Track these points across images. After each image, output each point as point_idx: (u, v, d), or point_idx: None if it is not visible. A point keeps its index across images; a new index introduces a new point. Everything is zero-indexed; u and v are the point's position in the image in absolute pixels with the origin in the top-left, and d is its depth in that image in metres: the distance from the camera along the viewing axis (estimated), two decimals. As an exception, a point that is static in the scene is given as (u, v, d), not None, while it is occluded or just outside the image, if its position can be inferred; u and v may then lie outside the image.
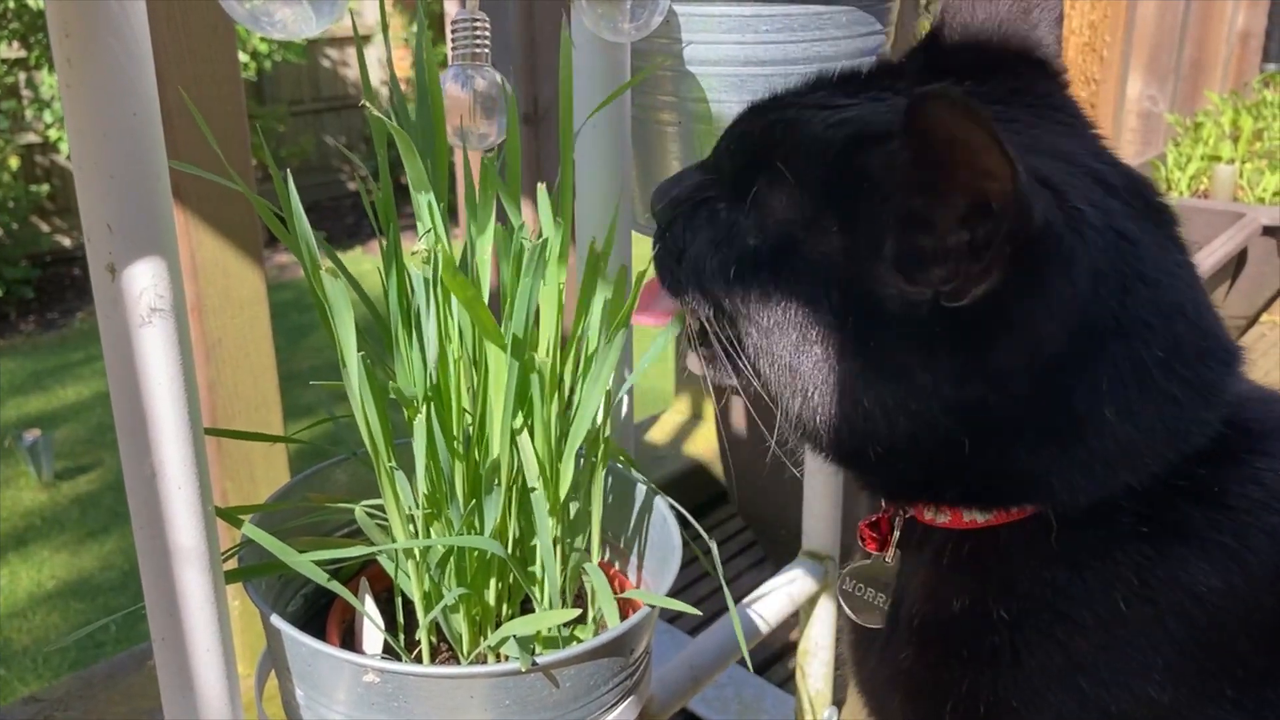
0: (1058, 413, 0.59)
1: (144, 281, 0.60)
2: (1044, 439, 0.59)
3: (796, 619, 1.35)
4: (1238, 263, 3.00)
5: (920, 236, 0.57)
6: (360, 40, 0.79)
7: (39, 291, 4.61)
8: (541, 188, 0.74)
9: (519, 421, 0.74)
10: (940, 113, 0.52)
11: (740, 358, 0.66)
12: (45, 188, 4.70)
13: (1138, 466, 0.60)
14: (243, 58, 4.61)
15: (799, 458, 0.70)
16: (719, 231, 0.66)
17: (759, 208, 0.64)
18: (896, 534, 0.72)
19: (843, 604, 0.75)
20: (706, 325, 0.68)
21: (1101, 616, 0.61)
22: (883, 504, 0.73)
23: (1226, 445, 0.62)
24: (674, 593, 0.79)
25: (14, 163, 4.51)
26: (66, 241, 4.84)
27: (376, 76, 4.77)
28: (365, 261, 4.61)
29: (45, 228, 4.85)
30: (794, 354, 0.62)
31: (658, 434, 2.24)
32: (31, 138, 4.63)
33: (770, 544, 1.91)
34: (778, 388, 0.64)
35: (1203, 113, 3.64)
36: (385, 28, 0.83)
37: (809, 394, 0.62)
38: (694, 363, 0.72)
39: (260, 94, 5.24)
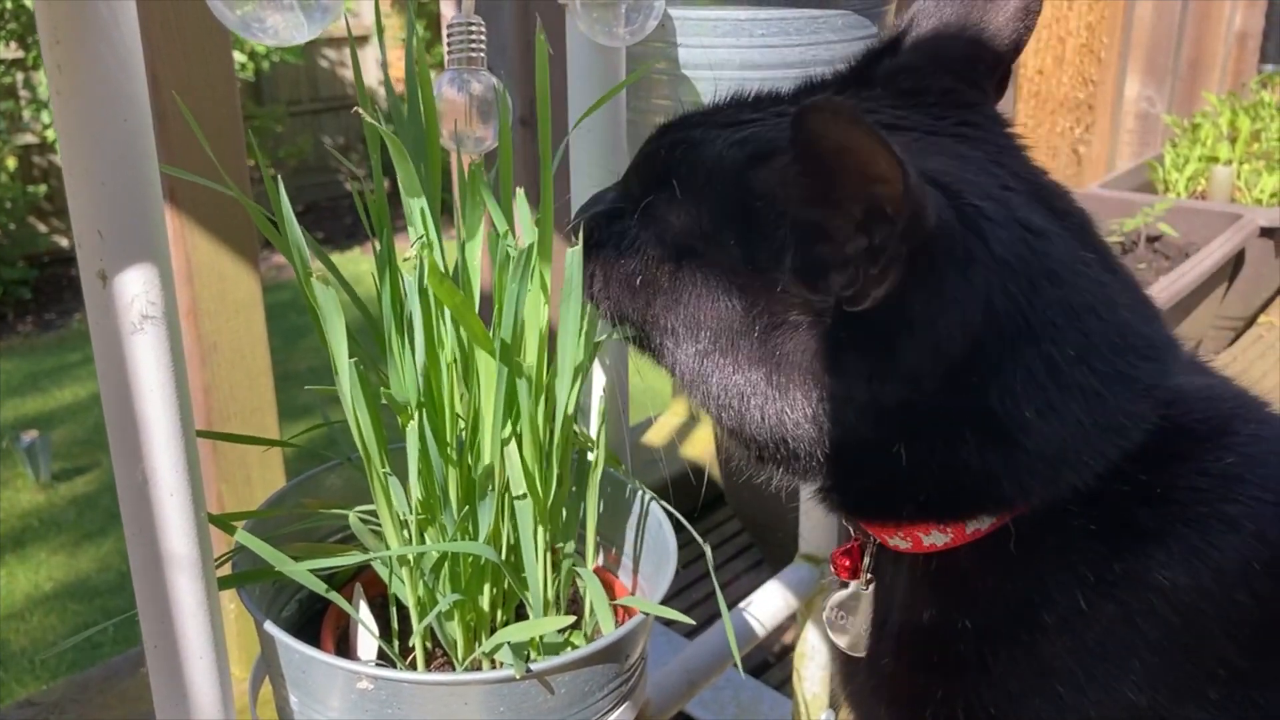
0: (981, 415, 0.59)
1: (135, 288, 0.60)
2: (982, 441, 0.59)
3: (794, 621, 1.35)
4: (1235, 264, 2.99)
5: (818, 246, 0.58)
6: (354, 42, 0.79)
7: (36, 292, 4.60)
8: (520, 191, 0.74)
9: (508, 427, 0.74)
10: (823, 122, 0.53)
11: (665, 367, 0.68)
12: (43, 188, 4.69)
13: (1078, 464, 0.60)
14: (240, 58, 4.61)
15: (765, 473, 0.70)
16: (626, 245, 0.68)
17: (657, 222, 0.67)
18: (868, 560, 0.72)
19: (829, 632, 0.75)
20: (629, 336, 0.71)
21: (1064, 617, 0.61)
22: (851, 532, 0.74)
23: (1169, 443, 0.62)
24: (672, 595, 0.79)
25: (11, 163, 4.50)
26: (64, 242, 4.83)
27: (375, 78, 4.76)
28: (364, 262, 4.61)
29: (43, 228, 4.84)
30: (704, 364, 0.64)
31: (656, 436, 2.24)
32: (29, 138, 4.63)
33: (767, 547, 1.91)
34: (703, 399, 0.65)
35: (1200, 114, 3.64)
36: (380, 31, 0.83)
37: (728, 403, 0.63)
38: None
39: (258, 94, 5.23)
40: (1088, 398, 0.60)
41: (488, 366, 0.73)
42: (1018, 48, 0.72)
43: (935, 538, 0.64)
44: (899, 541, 0.66)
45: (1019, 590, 0.62)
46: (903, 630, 0.69)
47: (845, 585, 0.74)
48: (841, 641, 0.74)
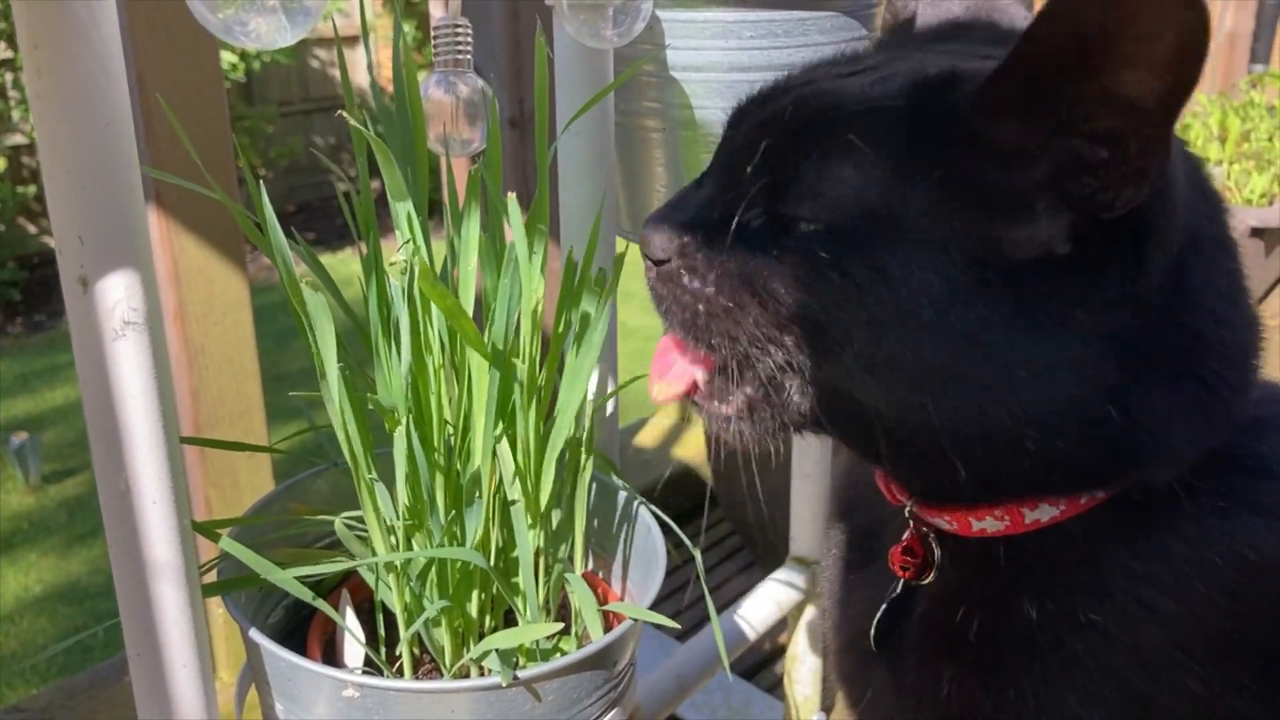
0: (1186, 344, 0.54)
1: (117, 294, 0.59)
2: (1177, 377, 0.54)
3: (785, 624, 1.35)
4: (1226, 264, 3.00)
5: (1043, 160, 0.50)
6: (341, 43, 0.78)
7: (26, 294, 4.58)
8: (512, 197, 0.73)
9: (499, 431, 0.74)
10: None
11: (816, 394, 0.56)
12: (32, 189, 4.67)
13: (1238, 403, 0.56)
14: (231, 59, 4.59)
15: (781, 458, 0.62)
16: (762, 244, 0.55)
17: (813, 198, 0.53)
18: (938, 552, 0.64)
19: (874, 647, 0.68)
20: (762, 372, 0.56)
21: (1181, 599, 0.57)
22: (910, 521, 0.65)
23: (1262, 412, 0.60)
24: (663, 598, 0.78)
25: (1, 164, 4.48)
26: (54, 244, 4.80)
27: (364, 78, 4.75)
28: (356, 264, 4.58)
29: (32, 229, 4.82)
30: (917, 352, 0.52)
31: (647, 438, 2.24)
32: (18, 139, 4.61)
33: (758, 549, 1.91)
34: (890, 404, 0.54)
35: (1190, 114, 3.64)
36: (366, 32, 0.83)
37: (945, 392, 0.53)
38: (722, 423, 0.60)
39: (249, 95, 5.21)
40: (1250, 320, 0.56)
41: (479, 369, 0.73)
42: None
43: (1043, 512, 0.57)
44: (990, 523, 0.59)
45: (1144, 569, 0.57)
46: (989, 633, 0.60)
47: (871, 590, 0.68)
48: (882, 643, 0.67)
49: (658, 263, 0.58)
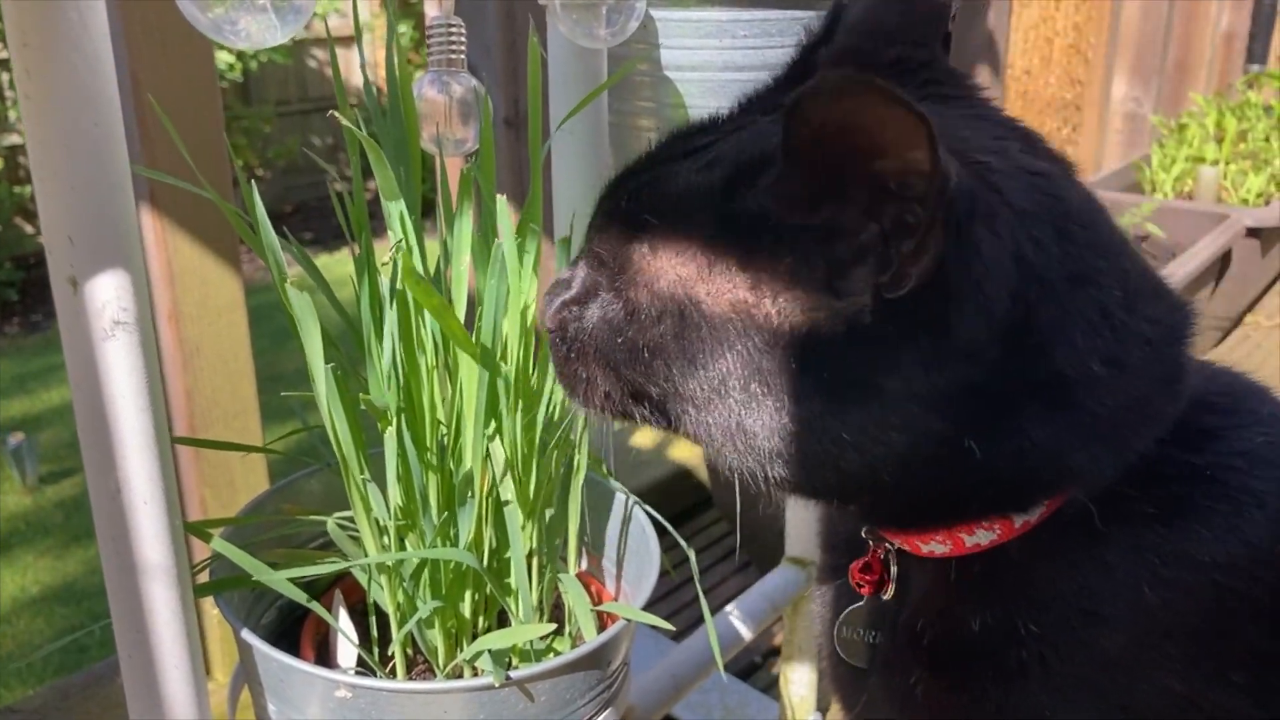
0: (1050, 380, 0.55)
1: (107, 295, 0.59)
2: (1050, 409, 0.56)
3: (780, 624, 1.34)
4: (1222, 264, 3.00)
5: (836, 245, 0.54)
6: (334, 43, 0.78)
7: (23, 294, 4.57)
8: (501, 198, 0.73)
9: (491, 430, 0.73)
10: (828, 103, 0.48)
11: (693, 436, 0.61)
12: (29, 189, 4.66)
13: (1143, 425, 0.58)
14: (229, 59, 4.58)
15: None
16: (615, 317, 0.61)
17: (642, 279, 0.59)
18: (894, 569, 0.67)
19: (839, 650, 0.71)
20: (636, 413, 0.63)
21: (1129, 604, 0.58)
22: (868, 541, 0.68)
23: (1201, 419, 0.60)
24: (659, 598, 0.78)
25: (-3, 164, 4.48)
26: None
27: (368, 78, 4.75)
28: (352, 264, 4.58)
29: (29, 229, 4.81)
30: (742, 419, 0.57)
31: (643, 438, 2.24)
32: (15, 139, 4.60)
33: (754, 549, 1.90)
34: (738, 459, 0.58)
35: (1187, 114, 3.65)
36: (359, 31, 0.82)
37: (775, 453, 0.57)
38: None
39: (246, 95, 5.21)
40: (1142, 347, 0.57)
41: (469, 369, 0.73)
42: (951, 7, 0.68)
43: (980, 536, 0.60)
44: (935, 547, 0.62)
45: (1084, 584, 0.59)
46: (940, 643, 0.64)
47: (849, 604, 0.70)
48: (858, 660, 0.71)
49: (550, 331, 0.65)
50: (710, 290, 0.57)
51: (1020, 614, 0.60)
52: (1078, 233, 0.57)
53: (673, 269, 0.58)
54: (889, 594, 0.68)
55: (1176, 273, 2.59)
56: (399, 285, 0.71)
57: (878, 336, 0.54)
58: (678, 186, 0.59)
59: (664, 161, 0.62)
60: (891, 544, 0.67)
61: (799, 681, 1.33)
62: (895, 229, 0.51)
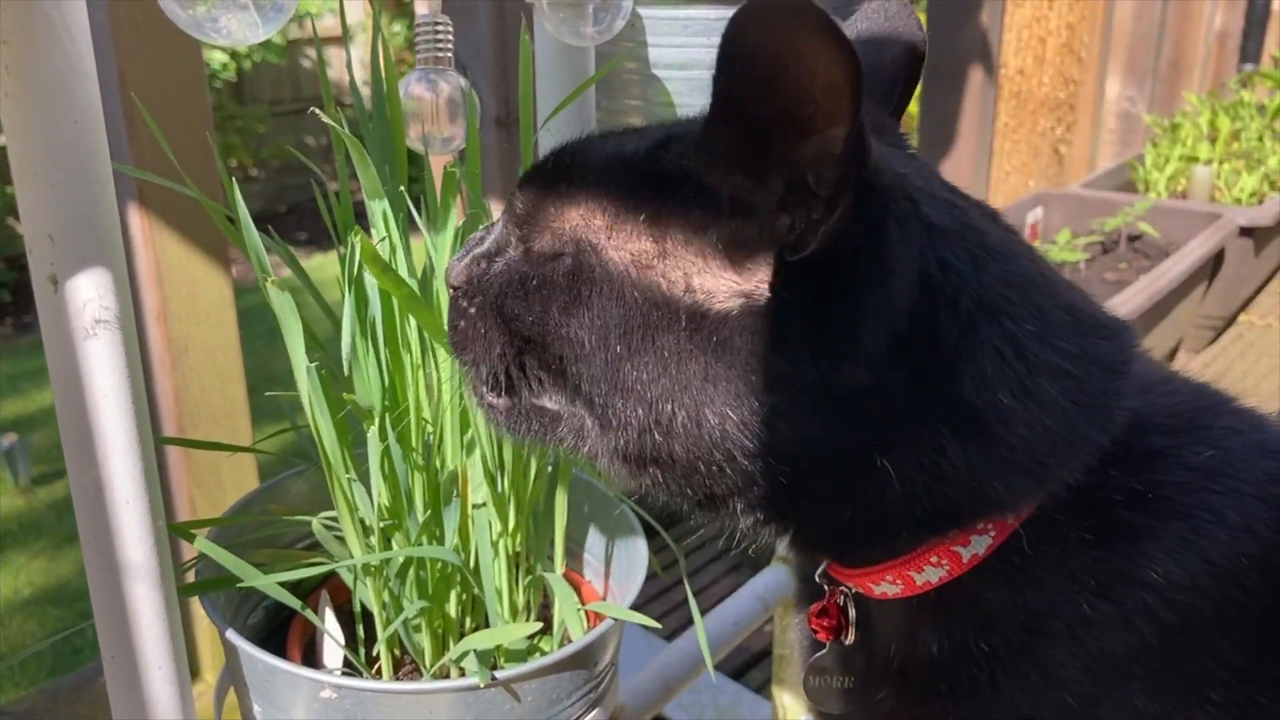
0: (957, 407, 0.55)
1: (88, 293, 0.59)
2: (964, 438, 0.56)
3: (772, 624, 1.34)
4: (1215, 263, 3.01)
5: (753, 205, 0.53)
6: (327, 43, 0.78)
7: (15, 294, 4.56)
8: (480, 200, 0.73)
9: (470, 430, 0.73)
10: (760, 26, 0.46)
11: (571, 390, 0.59)
12: (22, 189, 4.64)
13: (1067, 456, 0.58)
14: (222, 58, 4.57)
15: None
16: (516, 260, 0.61)
17: (548, 228, 0.59)
18: (853, 613, 0.67)
19: (808, 698, 0.71)
20: (513, 373, 0.61)
21: (1069, 624, 0.59)
22: (823, 586, 0.68)
23: (1145, 438, 0.60)
24: (650, 598, 0.78)
25: (-11, 164, 4.47)
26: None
27: (358, 77, 4.74)
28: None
29: (21, 230, 4.80)
30: (623, 371, 0.56)
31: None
32: (4, 140, 4.58)
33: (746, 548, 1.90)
34: (620, 420, 0.57)
35: (1180, 113, 3.66)
36: (346, 30, 0.82)
37: (655, 418, 0.55)
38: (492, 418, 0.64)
39: (240, 94, 5.20)
40: (1061, 378, 0.57)
41: (448, 365, 0.73)
42: (910, 83, 0.68)
43: (930, 574, 0.61)
44: (888, 588, 0.62)
45: (1026, 605, 0.60)
46: (906, 663, 0.64)
47: (820, 646, 0.69)
48: (826, 706, 0.71)
49: (453, 289, 0.64)
50: (614, 239, 0.57)
51: (972, 633, 0.61)
52: (992, 265, 0.57)
53: (580, 216, 0.58)
54: (849, 639, 0.68)
55: (1169, 272, 2.59)
56: (366, 272, 0.70)
57: (775, 311, 0.53)
58: (604, 151, 0.60)
59: (594, 143, 0.62)
60: (847, 587, 0.67)
61: (791, 681, 1.33)
62: (811, 188, 0.51)
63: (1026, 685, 0.60)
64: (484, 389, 0.62)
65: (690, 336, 0.54)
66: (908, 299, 0.54)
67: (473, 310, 0.61)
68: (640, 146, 0.58)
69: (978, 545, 0.60)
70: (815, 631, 0.68)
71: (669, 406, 0.55)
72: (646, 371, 0.55)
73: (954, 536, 0.60)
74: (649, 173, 0.56)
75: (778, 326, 0.54)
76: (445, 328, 0.64)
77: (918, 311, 0.54)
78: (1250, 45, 4.37)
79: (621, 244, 0.56)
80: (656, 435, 0.56)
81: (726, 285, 0.54)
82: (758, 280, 0.54)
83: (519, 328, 0.59)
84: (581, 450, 0.60)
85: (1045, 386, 0.57)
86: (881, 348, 0.54)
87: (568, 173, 0.60)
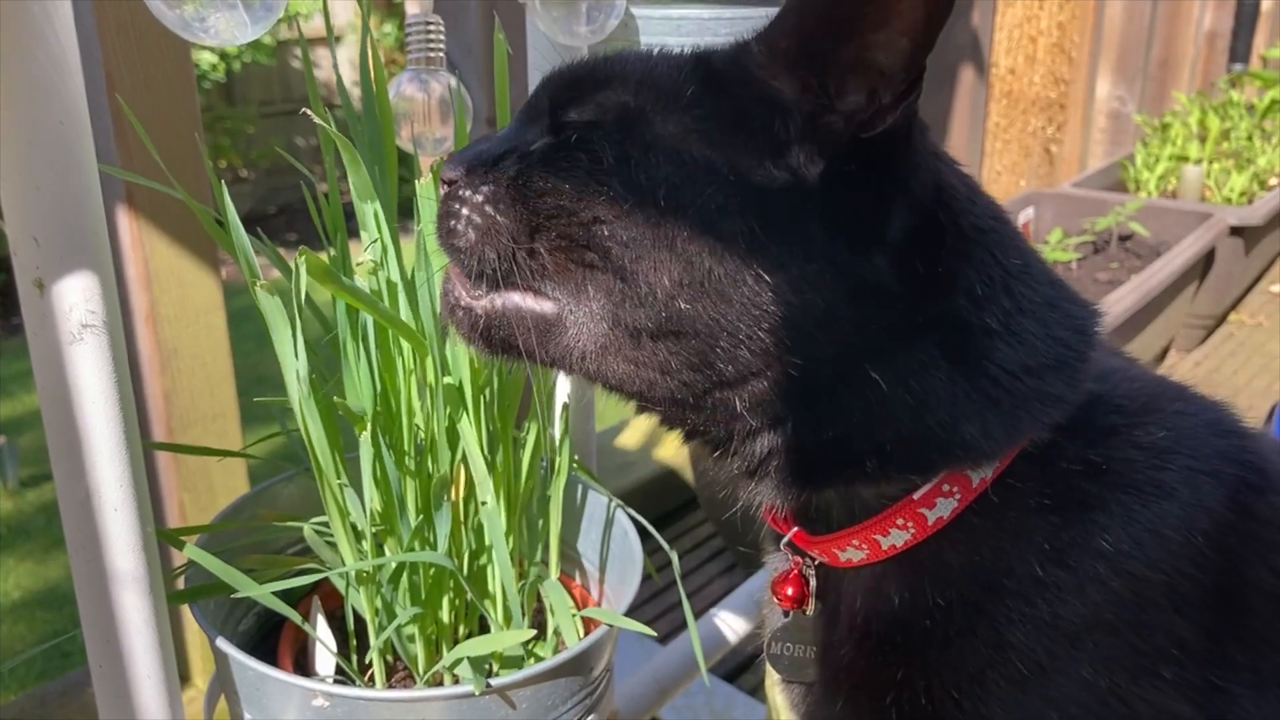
0: (949, 319, 0.58)
1: (74, 297, 0.58)
2: (948, 357, 0.57)
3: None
4: (1206, 263, 3.01)
5: (817, 81, 0.55)
6: (306, 43, 0.77)
7: (2, 296, 4.53)
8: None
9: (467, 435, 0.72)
10: None
11: (570, 282, 0.57)
12: (9, 191, 4.61)
13: (1039, 406, 0.59)
14: (211, 59, 4.55)
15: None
16: (541, 147, 0.59)
17: (584, 106, 0.59)
18: (813, 583, 0.68)
19: (771, 667, 0.72)
20: (519, 258, 0.58)
21: (1020, 582, 0.60)
22: (786, 552, 0.69)
23: (1104, 418, 0.62)
24: (646, 600, 0.77)
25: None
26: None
27: (349, 78, 4.72)
28: (337, 264, 4.54)
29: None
30: (658, 237, 0.55)
31: (629, 439, 2.22)
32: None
33: (740, 550, 1.90)
34: (649, 292, 0.55)
35: (1170, 113, 3.66)
36: (330, 32, 0.81)
37: (692, 282, 0.55)
38: (462, 315, 0.61)
39: (230, 95, 5.18)
40: (1040, 322, 0.60)
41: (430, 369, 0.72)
42: None
43: (895, 537, 0.62)
44: (853, 553, 0.64)
45: (982, 563, 0.61)
46: (870, 616, 0.65)
47: (786, 614, 0.70)
48: (786, 673, 0.71)
49: (449, 184, 0.61)
50: (662, 114, 0.57)
51: (930, 586, 0.62)
52: (983, 200, 0.61)
53: (625, 93, 0.58)
54: (810, 609, 0.68)
55: (1160, 272, 2.60)
56: (375, 285, 0.69)
57: (820, 191, 0.56)
58: (638, 54, 0.62)
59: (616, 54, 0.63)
60: (811, 556, 0.67)
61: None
62: (884, 71, 0.53)
63: (975, 643, 0.60)
64: (467, 286, 0.60)
65: (737, 198, 0.55)
66: (925, 200, 0.57)
67: (479, 197, 0.59)
68: (686, 56, 0.60)
69: (943, 508, 0.61)
70: (779, 601, 0.69)
71: (707, 263, 0.55)
72: (689, 228, 0.55)
73: (921, 498, 0.61)
74: (706, 73, 0.58)
75: (821, 204, 0.55)
76: (434, 225, 0.61)
77: (930, 216, 0.57)
78: (1239, 45, 4.38)
79: (670, 117, 0.57)
80: (686, 296, 0.55)
81: (772, 164, 0.56)
82: (803, 160, 0.56)
83: (541, 204, 0.57)
84: (563, 343, 0.58)
85: (1027, 325, 0.59)
86: (900, 239, 0.56)
87: (601, 70, 0.60)
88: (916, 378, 0.57)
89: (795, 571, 0.69)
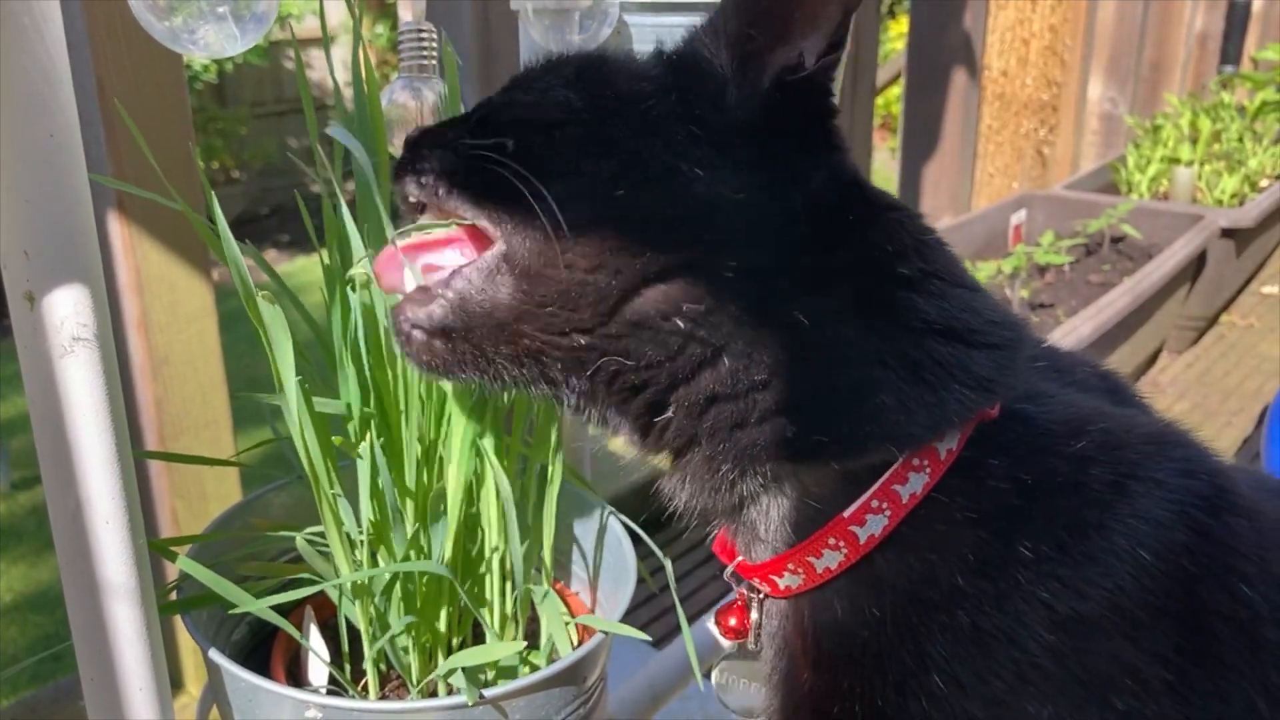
0: (866, 263, 0.59)
1: (65, 310, 0.57)
2: (865, 309, 0.58)
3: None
4: (1197, 264, 3.02)
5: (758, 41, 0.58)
6: (299, 45, 0.77)
7: (-6, 298, 4.51)
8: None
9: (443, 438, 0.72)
10: None
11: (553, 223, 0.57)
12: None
13: (962, 380, 0.59)
14: (203, 60, 4.54)
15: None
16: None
17: (542, 103, 0.63)
18: (756, 615, 0.67)
19: (720, 698, 0.72)
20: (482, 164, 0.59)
21: (943, 593, 0.58)
22: (731, 582, 0.69)
23: (1026, 439, 0.61)
24: (639, 603, 0.77)
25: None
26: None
27: (342, 79, 4.72)
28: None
29: None
30: (619, 203, 0.58)
31: (621, 441, 2.22)
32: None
33: (736, 552, 1.90)
34: (604, 257, 0.57)
35: (1162, 115, 3.68)
36: (326, 36, 0.81)
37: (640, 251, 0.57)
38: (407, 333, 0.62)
39: (222, 96, 5.16)
40: (959, 286, 0.61)
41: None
42: None
43: (829, 559, 0.61)
44: (790, 580, 0.63)
45: (910, 574, 0.60)
46: (819, 634, 0.64)
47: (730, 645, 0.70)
48: (732, 703, 0.71)
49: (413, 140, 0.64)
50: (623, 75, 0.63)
51: (866, 597, 0.61)
52: (902, 208, 0.63)
53: (569, 95, 0.62)
54: (752, 643, 0.68)
55: (1153, 274, 2.60)
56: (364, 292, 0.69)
57: (766, 124, 0.59)
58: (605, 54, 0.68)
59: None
60: (754, 586, 0.67)
61: (779, 688, 1.33)
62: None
63: (901, 656, 0.59)
64: (420, 180, 0.62)
65: (683, 127, 0.59)
66: (837, 165, 0.61)
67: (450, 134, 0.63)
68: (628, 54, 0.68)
69: (874, 525, 0.60)
70: (722, 631, 0.69)
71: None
72: (640, 205, 0.58)
73: (851, 515, 0.60)
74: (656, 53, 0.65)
75: (749, 140, 0.59)
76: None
77: (844, 184, 0.60)
78: (1231, 47, 4.40)
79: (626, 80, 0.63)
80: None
81: (712, 105, 0.60)
82: (736, 96, 0.59)
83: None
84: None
85: (947, 291, 0.60)
86: (819, 189, 0.59)
87: (543, 67, 0.66)
88: (830, 327, 0.58)
89: (739, 603, 0.69)
